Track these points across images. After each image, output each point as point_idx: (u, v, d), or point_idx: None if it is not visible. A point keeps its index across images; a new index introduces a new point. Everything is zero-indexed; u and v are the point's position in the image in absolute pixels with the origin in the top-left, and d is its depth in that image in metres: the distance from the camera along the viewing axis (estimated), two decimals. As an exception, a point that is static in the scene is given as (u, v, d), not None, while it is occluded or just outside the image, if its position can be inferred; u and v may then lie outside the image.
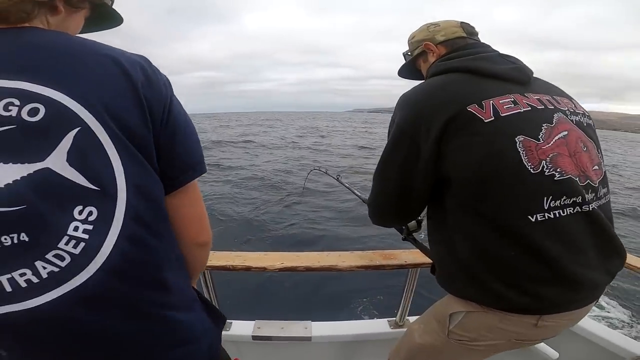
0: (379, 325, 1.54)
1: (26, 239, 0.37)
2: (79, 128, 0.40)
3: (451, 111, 0.69)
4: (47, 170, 0.38)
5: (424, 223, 1.08)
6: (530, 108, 0.70)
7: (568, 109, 0.75)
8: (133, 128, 0.43)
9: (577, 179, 0.67)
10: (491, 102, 0.69)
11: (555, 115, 0.72)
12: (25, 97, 0.38)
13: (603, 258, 0.71)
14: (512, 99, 0.71)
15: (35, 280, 0.38)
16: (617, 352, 1.22)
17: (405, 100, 0.77)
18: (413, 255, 1.35)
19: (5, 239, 0.37)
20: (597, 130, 0.83)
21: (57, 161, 0.38)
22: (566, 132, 0.70)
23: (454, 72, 0.77)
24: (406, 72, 1.06)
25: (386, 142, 0.81)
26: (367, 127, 42.48)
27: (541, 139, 0.68)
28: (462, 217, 0.72)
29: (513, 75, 0.75)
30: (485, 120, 0.67)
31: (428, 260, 1.32)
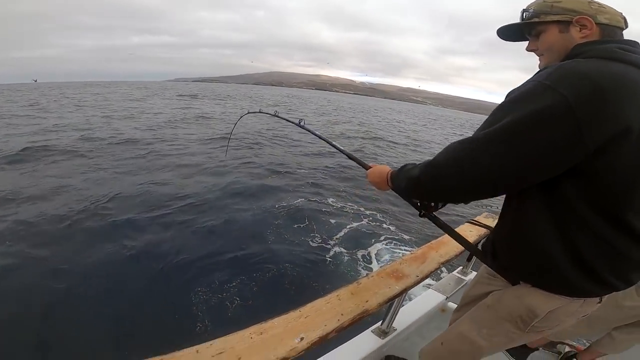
0: (368, 340, 1.49)
1: None
2: None
3: None
4: None
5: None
6: None
7: None
8: None
9: None
10: None
11: None
12: None
13: None
14: None
15: None
16: None
17: (587, 76, 0.62)
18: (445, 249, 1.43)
19: None
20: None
21: None
22: None
23: None
24: (509, 31, 0.90)
25: (507, 107, 0.69)
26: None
27: None
28: (589, 213, 0.69)
29: None
30: None
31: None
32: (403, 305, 1.60)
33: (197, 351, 0.81)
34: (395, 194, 1.02)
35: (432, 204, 1.05)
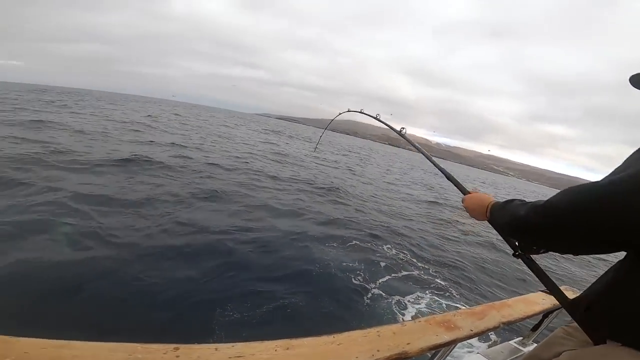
0: None
1: None
2: None
3: None
4: None
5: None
6: None
7: None
8: None
9: None
10: None
11: None
12: None
13: None
14: None
15: None
16: None
17: None
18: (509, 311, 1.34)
19: None
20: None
21: None
22: None
23: None
24: None
25: None
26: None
27: None
28: None
29: None
30: None
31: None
32: None
33: (217, 349, 0.81)
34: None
35: (535, 247, 0.94)
